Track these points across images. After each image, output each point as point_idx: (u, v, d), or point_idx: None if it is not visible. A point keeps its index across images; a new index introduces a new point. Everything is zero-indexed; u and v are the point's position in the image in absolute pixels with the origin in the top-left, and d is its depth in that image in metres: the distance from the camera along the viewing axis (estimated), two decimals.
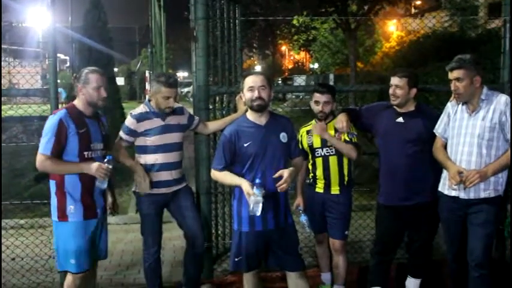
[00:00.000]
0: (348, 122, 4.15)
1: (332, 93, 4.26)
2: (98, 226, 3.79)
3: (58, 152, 3.58)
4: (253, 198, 3.35)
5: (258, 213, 3.36)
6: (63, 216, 3.65)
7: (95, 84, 3.70)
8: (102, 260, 4.02)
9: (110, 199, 4.05)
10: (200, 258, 4.32)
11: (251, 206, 3.37)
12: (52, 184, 3.71)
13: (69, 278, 3.73)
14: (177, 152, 4.18)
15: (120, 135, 4.09)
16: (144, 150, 4.08)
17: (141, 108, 4.11)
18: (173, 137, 4.13)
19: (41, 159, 3.58)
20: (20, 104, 5.77)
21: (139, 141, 4.08)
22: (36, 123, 12.73)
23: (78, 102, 3.77)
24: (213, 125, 4.49)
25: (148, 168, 4.06)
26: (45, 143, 3.56)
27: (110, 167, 3.64)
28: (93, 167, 3.59)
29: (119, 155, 4.06)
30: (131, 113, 4.08)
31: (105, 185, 3.70)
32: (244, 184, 3.46)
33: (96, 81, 3.71)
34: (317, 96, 4.24)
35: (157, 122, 4.06)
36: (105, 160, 3.65)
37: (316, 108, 4.25)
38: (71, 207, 3.64)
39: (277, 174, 3.48)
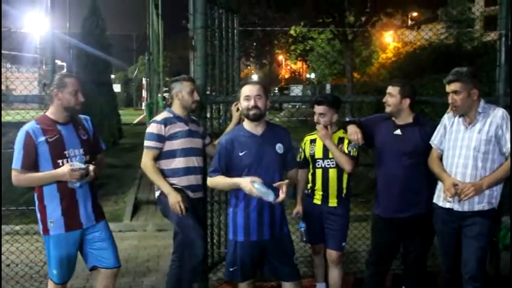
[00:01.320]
0: (361, 134, 4.11)
1: (330, 104, 4.22)
2: (90, 235, 3.69)
3: (30, 165, 3.49)
4: (258, 194, 3.35)
5: (271, 199, 3.35)
6: (45, 230, 3.59)
7: (71, 88, 3.58)
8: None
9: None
10: (197, 269, 4.20)
11: (262, 198, 3.39)
12: (35, 197, 3.63)
13: (50, 286, 3.70)
14: (201, 157, 4.24)
15: (148, 144, 4.06)
16: (173, 154, 4.07)
17: (164, 115, 4.15)
18: (197, 143, 4.20)
19: (14, 175, 3.51)
20: (18, 109, 5.74)
21: (167, 146, 4.07)
22: None
23: (50, 110, 3.64)
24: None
25: (177, 172, 4.07)
26: (15, 158, 3.50)
27: (82, 166, 3.50)
28: (65, 171, 3.45)
29: (153, 177, 4.03)
30: (155, 120, 4.11)
31: (77, 185, 3.55)
32: (243, 182, 3.41)
33: (72, 85, 3.59)
34: (315, 106, 4.27)
35: (182, 126, 4.11)
36: (75, 161, 3.54)
37: (315, 118, 4.28)
38: (50, 221, 3.55)
39: (276, 184, 3.45)
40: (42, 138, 3.50)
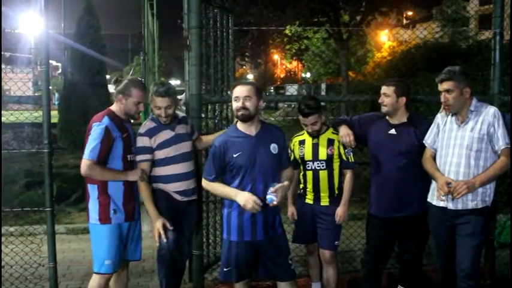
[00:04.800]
0: (353, 136, 4.11)
1: (316, 110, 4.13)
2: (132, 228, 3.94)
3: (103, 158, 3.68)
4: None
5: (269, 200, 3.49)
6: (106, 219, 3.76)
7: (136, 99, 3.85)
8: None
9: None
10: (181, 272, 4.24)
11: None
12: (93, 188, 3.79)
13: (94, 280, 3.81)
14: (190, 161, 4.11)
15: (138, 158, 3.92)
16: (162, 162, 3.97)
17: (148, 125, 3.98)
18: (186, 146, 4.08)
19: (88, 165, 3.63)
20: (12, 110, 5.72)
21: (156, 155, 3.97)
22: (27, 130, 12.73)
23: (116, 108, 3.89)
24: (206, 139, 4.41)
25: (166, 180, 3.99)
26: (91, 149, 3.63)
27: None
28: (138, 174, 3.80)
29: (142, 195, 3.94)
30: (139, 132, 3.96)
31: None
32: (239, 196, 3.51)
33: (137, 96, 3.84)
34: (302, 118, 4.19)
35: (168, 134, 3.98)
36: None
37: (305, 128, 4.24)
38: (114, 210, 3.76)
39: (273, 190, 3.48)
40: (118, 134, 3.76)
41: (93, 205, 3.78)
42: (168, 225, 3.88)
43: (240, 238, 3.64)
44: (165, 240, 3.87)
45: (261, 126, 3.69)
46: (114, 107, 3.89)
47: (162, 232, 3.85)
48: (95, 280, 3.81)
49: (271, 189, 3.48)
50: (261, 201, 3.48)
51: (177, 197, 4.03)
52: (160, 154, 3.95)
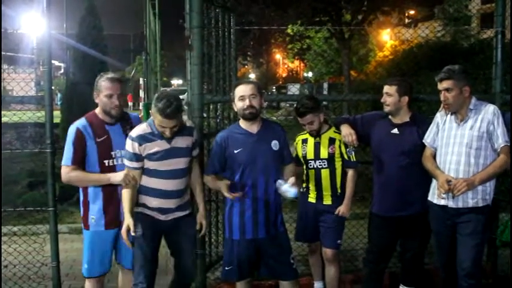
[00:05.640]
0: (355, 135, 4.10)
1: (314, 110, 4.13)
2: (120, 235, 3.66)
3: (80, 162, 3.56)
4: (286, 194, 3.53)
5: (292, 195, 3.54)
6: (86, 225, 3.73)
7: (106, 92, 3.62)
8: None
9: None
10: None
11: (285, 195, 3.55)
12: (80, 193, 3.75)
13: (86, 282, 3.84)
14: (182, 179, 3.66)
15: (126, 164, 3.58)
16: (148, 173, 3.60)
17: (142, 129, 3.57)
18: (179, 163, 3.62)
19: (65, 171, 3.57)
20: (14, 110, 5.74)
21: (145, 163, 3.62)
22: (30, 130, 12.76)
23: (98, 110, 3.73)
24: (195, 171, 3.90)
25: (147, 192, 3.63)
26: (65, 154, 3.57)
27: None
28: (120, 176, 3.53)
29: (123, 195, 3.55)
30: (130, 136, 3.55)
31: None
32: (223, 188, 3.58)
33: (106, 89, 3.62)
34: (299, 118, 4.20)
35: (161, 145, 3.55)
36: (120, 161, 3.67)
37: (304, 128, 4.25)
38: (92, 217, 3.68)
39: (291, 182, 3.56)
40: (92, 137, 3.59)
41: (81, 209, 3.77)
42: (132, 228, 3.44)
43: (241, 236, 3.66)
44: (129, 246, 3.51)
45: (262, 124, 3.73)
46: (97, 109, 3.73)
47: (123, 236, 3.48)
48: (86, 282, 3.84)
49: (289, 182, 3.54)
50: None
51: (158, 216, 3.65)
52: (148, 164, 3.57)
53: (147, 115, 12.57)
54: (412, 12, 26.13)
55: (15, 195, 8.21)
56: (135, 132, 3.56)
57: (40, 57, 4.44)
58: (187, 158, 3.67)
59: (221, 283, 4.79)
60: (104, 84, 3.63)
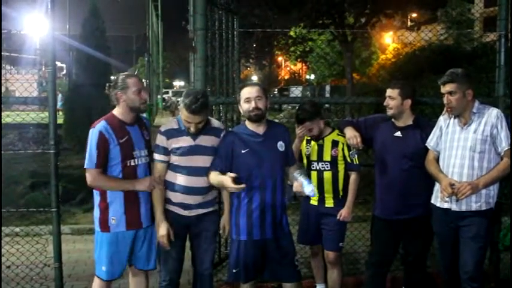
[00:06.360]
0: (360, 137, 4.09)
1: (313, 116, 4.16)
2: (141, 236, 3.75)
3: (104, 165, 3.57)
4: (304, 189, 3.51)
5: (311, 192, 3.53)
6: (104, 227, 3.65)
7: (135, 88, 3.65)
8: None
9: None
10: (209, 277, 4.04)
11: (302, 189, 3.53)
12: (96, 194, 3.69)
13: (96, 282, 3.78)
14: (205, 177, 3.71)
15: (154, 157, 3.73)
16: (173, 168, 3.72)
17: (171, 124, 3.76)
18: (202, 160, 3.70)
19: (91, 175, 3.55)
20: (18, 111, 5.75)
21: (171, 159, 3.75)
22: (32, 131, 12.79)
23: (117, 111, 3.70)
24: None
25: (171, 187, 3.74)
26: (88, 157, 3.55)
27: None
28: (146, 183, 3.62)
29: (153, 196, 3.71)
30: (160, 130, 3.74)
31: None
32: (226, 182, 3.49)
33: (134, 84, 3.66)
34: (298, 125, 4.22)
35: (186, 141, 3.68)
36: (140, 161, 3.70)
37: (301, 131, 4.24)
38: (112, 219, 3.63)
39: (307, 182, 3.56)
40: (114, 139, 3.58)
41: (95, 211, 3.71)
42: (171, 233, 3.66)
43: (249, 237, 3.66)
44: (167, 248, 3.68)
45: (268, 125, 3.74)
46: (115, 110, 3.72)
47: (164, 241, 3.65)
48: (96, 282, 3.79)
49: (308, 180, 3.56)
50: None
51: (180, 211, 3.77)
52: (172, 159, 3.71)
53: (150, 116, 12.59)
54: (414, 15, 26.16)
55: (17, 195, 8.23)
56: (164, 127, 3.77)
57: (43, 58, 4.45)
58: (210, 157, 3.73)
59: (223, 285, 4.79)
60: (130, 81, 3.67)
